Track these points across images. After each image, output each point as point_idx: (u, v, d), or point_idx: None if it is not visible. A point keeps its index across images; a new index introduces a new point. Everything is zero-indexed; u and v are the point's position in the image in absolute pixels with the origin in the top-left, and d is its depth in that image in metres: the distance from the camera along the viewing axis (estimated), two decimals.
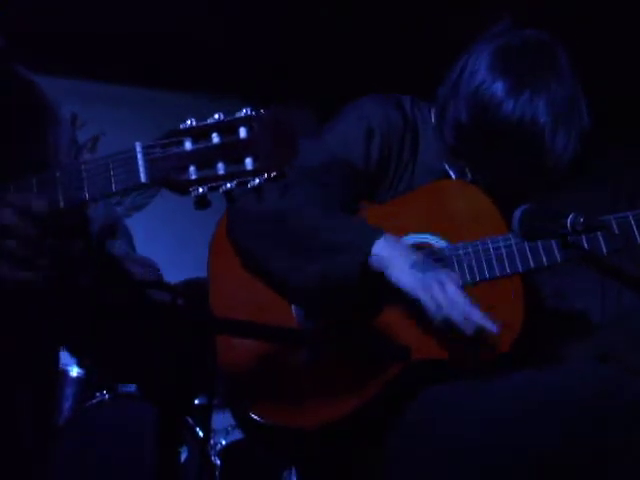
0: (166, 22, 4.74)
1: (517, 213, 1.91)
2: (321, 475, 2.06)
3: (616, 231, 1.92)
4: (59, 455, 2.99)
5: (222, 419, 3.33)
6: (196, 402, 3.51)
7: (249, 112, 1.39)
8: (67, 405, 3.39)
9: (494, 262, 1.97)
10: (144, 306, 1.68)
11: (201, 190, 1.38)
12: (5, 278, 1.41)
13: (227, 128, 1.39)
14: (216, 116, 1.39)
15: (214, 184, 1.38)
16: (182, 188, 1.39)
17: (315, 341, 1.90)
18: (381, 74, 4.49)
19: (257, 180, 1.37)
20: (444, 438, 1.80)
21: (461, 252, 1.98)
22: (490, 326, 1.77)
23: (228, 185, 1.38)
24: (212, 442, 3.48)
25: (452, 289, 1.81)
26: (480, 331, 1.78)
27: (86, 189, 1.41)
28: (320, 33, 4.78)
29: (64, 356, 3.07)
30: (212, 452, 3.45)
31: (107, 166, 1.40)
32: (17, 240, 1.40)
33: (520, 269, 1.96)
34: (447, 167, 2.12)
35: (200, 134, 1.39)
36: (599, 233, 1.94)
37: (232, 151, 1.38)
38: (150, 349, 1.69)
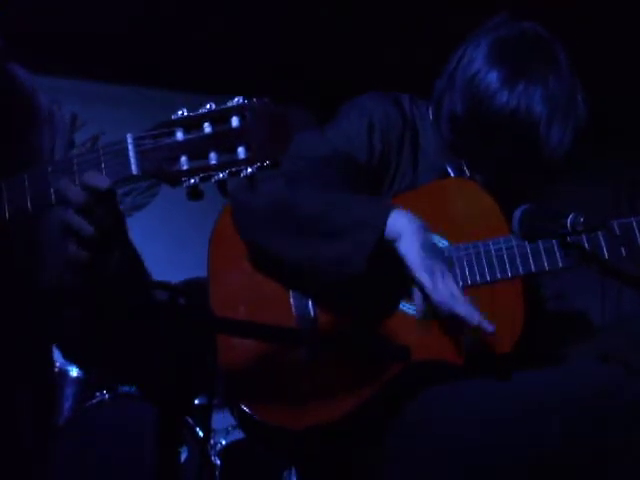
0: (166, 22, 4.74)
1: (517, 213, 1.91)
2: (321, 475, 2.06)
3: (617, 232, 1.92)
4: (59, 455, 2.99)
5: (222, 419, 3.33)
6: (196, 402, 3.51)
7: (241, 101, 1.38)
8: (67, 405, 3.39)
9: (495, 264, 1.96)
10: (147, 306, 1.67)
11: (193, 181, 1.37)
12: (72, 259, 1.40)
13: (219, 117, 1.37)
14: (208, 106, 1.38)
15: (206, 174, 1.37)
16: (174, 179, 1.37)
17: (314, 341, 1.90)
18: (381, 74, 4.49)
19: (250, 169, 1.36)
20: (444, 438, 1.80)
21: (462, 253, 1.98)
22: (485, 325, 1.78)
23: (221, 175, 1.36)
24: (212, 442, 3.48)
25: (451, 282, 1.81)
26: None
27: (78, 183, 1.40)
28: (320, 33, 4.78)
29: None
30: (212, 452, 3.45)
31: (98, 159, 1.39)
32: (88, 220, 1.39)
33: (521, 271, 1.96)
34: (446, 164, 2.12)
35: (192, 124, 1.38)
36: (601, 238, 1.94)
37: (224, 140, 1.36)
38: (150, 349, 1.68)
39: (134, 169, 1.38)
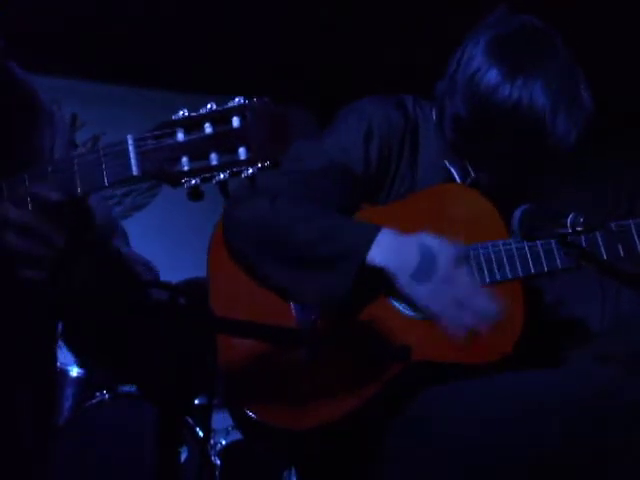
0: (166, 22, 4.74)
1: (517, 213, 1.91)
2: (321, 475, 2.06)
3: (615, 233, 1.92)
4: (59, 455, 2.99)
5: (222, 419, 3.32)
6: (196, 402, 3.51)
7: (242, 101, 1.38)
8: (67, 405, 3.38)
9: (494, 266, 1.96)
10: (145, 305, 1.67)
11: (194, 181, 1.37)
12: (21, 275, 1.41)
13: (220, 118, 1.37)
14: (208, 106, 1.38)
15: (207, 175, 1.36)
16: (175, 180, 1.37)
17: (314, 341, 1.90)
18: (381, 74, 4.49)
19: (251, 170, 1.36)
20: (444, 438, 1.80)
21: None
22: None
23: (221, 176, 1.36)
24: (212, 442, 3.48)
25: (463, 284, 1.82)
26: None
27: (78, 183, 1.40)
28: (320, 33, 4.78)
29: (64, 356, 3.08)
30: (212, 452, 3.44)
31: (99, 159, 1.39)
32: (33, 238, 1.39)
33: (520, 273, 1.96)
34: (448, 165, 2.11)
35: (192, 124, 1.37)
36: (599, 239, 1.94)
37: (225, 141, 1.36)
38: (150, 349, 1.68)
39: (135, 170, 1.38)
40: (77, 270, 1.47)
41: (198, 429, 3.25)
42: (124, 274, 1.66)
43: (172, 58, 4.98)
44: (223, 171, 1.36)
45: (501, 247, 1.97)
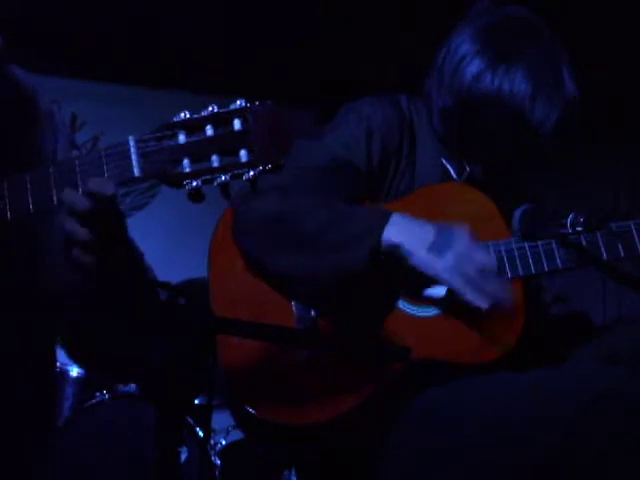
0: (166, 22, 4.74)
1: (517, 213, 1.92)
2: (321, 475, 2.06)
3: (616, 233, 1.92)
4: (59, 455, 2.99)
5: (222, 419, 3.33)
6: (196, 402, 3.51)
7: (243, 104, 1.38)
8: (67, 405, 3.39)
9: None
10: (148, 305, 1.67)
11: (195, 183, 1.37)
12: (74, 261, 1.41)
13: (221, 120, 1.38)
14: (210, 108, 1.38)
15: (209, 177, 1.37)
16: (176, 181, 1.38)
17: (315, 341, 1.90)
18: (380, 74, 4.50)
19: (252, 172, 1.36)
20: (444, 438, 1.80)
21: None
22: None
23: (223, 178, 1.37)
24: (212, 442, 3.48)
25: (481, 256, 1.83)
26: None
27: (80, 185, 1.40)
28: (320, 33, 4.78)
29: (64, 356, 3.08)
30: (212, 452, 3.44)
31: (100, 160, 1.40)
32: (90, 227, 1.39)
33: (521, 273, 1.96)
34: (445, 162, 2.12)
35: (194, 126, 1.38)
36: (600, 239, 1.94)
37: (226, 143, 1.37)
38: (150, 349, 1.68)
39: (136, 171, 1.38)
40: (114, 261, 1.46)
41: (198, 429, 3.25)
42: (142, 272, 1.66)
43: (172, 58, 4.99)
44: (224, 173, 1.37)
45: (502, 247, 1.97)
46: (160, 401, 1.63)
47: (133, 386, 3.36)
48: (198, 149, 1.37)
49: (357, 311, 1.96)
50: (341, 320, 1.97)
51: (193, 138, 1.38)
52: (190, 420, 3.27)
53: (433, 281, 1.86)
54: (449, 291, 1.86)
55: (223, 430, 3.57)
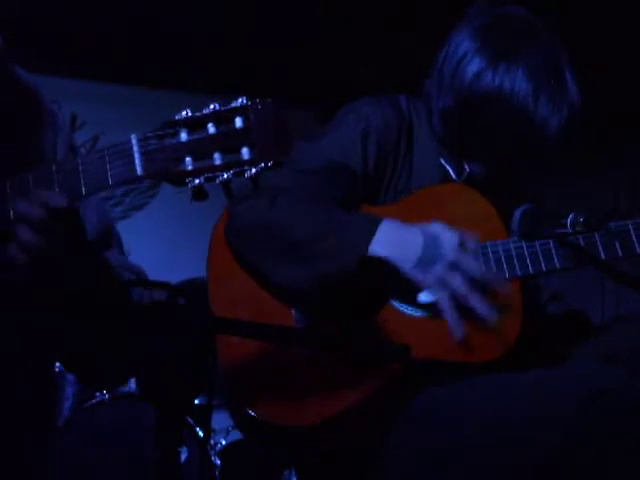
0: (166, 23, 4.74)
1: (517, 213, 1.91)
2: (321, 475, 2.06)
3: (614, 233, 1.92)
4: (59, 455, 2.98)
5: (222, 419, 3.33)
6: (196, 402, 3.51)
7: (245, 102, 1.38)
8: (67, 405, 3.38)
9: (493, 266, 1.96)
10: (124, 307, 1.68)
11: (198, 181, 1.37)
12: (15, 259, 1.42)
13: (223, 118, 1.38)
14: (212, 106, 1.39)
15: (211, 174, 1.37)
16: (178, 179, 1.38)
17: (314, 340, 1.89)
18: (380, 74, 4.50)
19: (254, 169, 1.37)
20: (444, 438, 1.80)
21: None
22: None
23: (225, 175, 1.37)
24: (212, 442, 3.48)
25: (470, 269, 1.83)
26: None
27: (83, 183, 1.41)
28: (320, 33, 4.78)
29: None
30: (212, 452, 3.44)
31: (103, 159, 1.40)
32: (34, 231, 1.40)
33: (519, 273, 1.96)
34: (444, 163, 2.12)
35: (196, 124, 1.38)
36: (597, 239, 1.94)
37: (228, 141, 1.37)
38: (150, 348, 1.68)
39: (139, 170, 1.38)
40: (60, 271, 1.48)
41: (198, 429, 3.25)
42: (110, 281, 1.67)
43: (172, 58, 4.99)
44: (227, 171, 1.37)
45: (499, 247, 1.97)
46: (160, 401, 1.63)
47: (133, 386, 3.36)
48: (200, 147, 1.37)
49: (356, 311, 1.96)
50: (339, 320, 1.97)
51: (195, 136, 1.38)
52: (190, 420, 3.27)
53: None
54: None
55: (223, 430, 3.57)
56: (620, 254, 1.94)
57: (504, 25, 2.04)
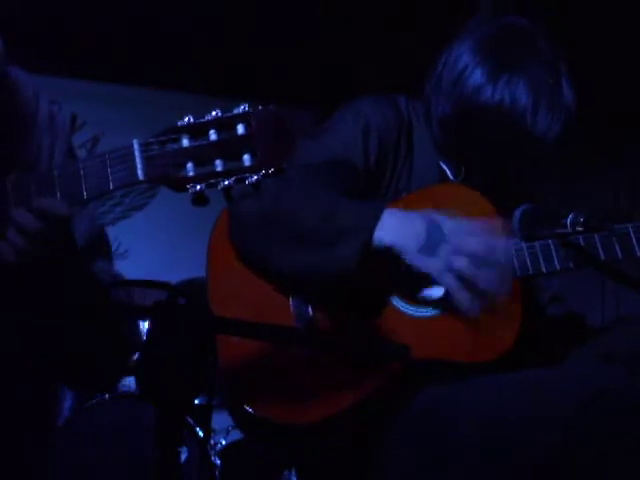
0: (166, 23, 4.74)
1: (517, 213, 1.92)
2: (321, 475, 2.06)
3: (614, 235, 1.92)
4: (59, 455, 2.99)
5: (222, 419, 3.33)
6: (196, 402, 3.51)
7: (247, 108, 1.39)
8: (67, 405, 3.39)
9: None
10: (104, 308, 1.68)
11: (199, 187, 1.37)
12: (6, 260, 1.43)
13: (225, 124, 1.38)
14: (213, 112, 1.39)
15: (212, 181, 1.38)
16: (180, 185, 1.38)
17: (313, 340, 1.90)
18: (380, 74, 4.50)
19: (255, 176, 1.37)
20: (443, 438, 1.80)
21: None
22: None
23: (226, 182, 1.38)
24: (212, 442, 3.48)
25: (474, 253, 1.82)
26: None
27: (84, 187, 1.41)
28: (320, 33, 4.78)
29: None
30: (212, 452, 3.44)
31: (104, 163, 1.40)
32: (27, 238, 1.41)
33: (518, 274, 1.96)
34: (442, 164, 2.13)
35: (197, 131, 1.39)
36: (597, 240, 1.94)
37: (230, 147, 1.37)
38: (151, 349, 1.69)
39: (140, 175, 1.39)
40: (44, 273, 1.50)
41: (198, 429, 3.25)
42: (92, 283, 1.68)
43: (172, 58, 4.99)
44: (228, 177, 1.37)
45: None
46: (160, 401, 1.63)
47: (133, 386, 3.36)
48: (202, 153, 1.38)
49: (355, 310, 1.96)
50: (339, 319, 1.97)
51: (197, 142, 1.38)
52: (190, 420, 3.27)
53: (430, 281, 1.86)
54: (447, 291, 1.86)
55: (223, 430, 3.57)
56: (620, 256, 1.94)
57: (505, 37, 2.04)
